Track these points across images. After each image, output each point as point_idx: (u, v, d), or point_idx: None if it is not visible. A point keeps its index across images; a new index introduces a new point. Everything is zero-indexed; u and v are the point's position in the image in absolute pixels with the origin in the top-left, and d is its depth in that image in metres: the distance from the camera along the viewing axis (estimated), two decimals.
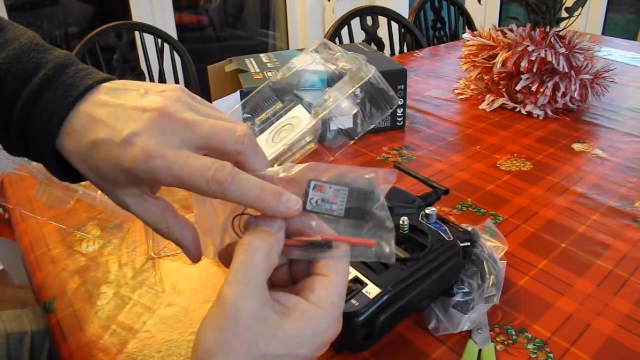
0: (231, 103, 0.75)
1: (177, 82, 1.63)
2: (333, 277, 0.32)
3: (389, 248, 0.32)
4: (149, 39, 1.52)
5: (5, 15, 1.86)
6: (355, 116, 0.52)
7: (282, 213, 0.31)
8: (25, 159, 0.67)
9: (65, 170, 0.36)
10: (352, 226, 0.33)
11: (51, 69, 0.34)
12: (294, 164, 0.33)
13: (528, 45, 0.96)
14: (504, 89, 1.04)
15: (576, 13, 1.00)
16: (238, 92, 0.77)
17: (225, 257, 0.34)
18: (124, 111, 0.32)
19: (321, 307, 0.31)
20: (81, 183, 0.65)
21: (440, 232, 0.48)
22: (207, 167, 0.31)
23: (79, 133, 0.33)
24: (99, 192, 0.66)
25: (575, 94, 0.98)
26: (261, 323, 0.29)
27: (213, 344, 0.28)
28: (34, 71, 0.34)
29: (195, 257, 0.36)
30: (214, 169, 0.31)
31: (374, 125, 0.60)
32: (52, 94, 0.33)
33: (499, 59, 0.99)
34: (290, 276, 0.35)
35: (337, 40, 1.58)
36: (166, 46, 1.53)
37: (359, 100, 0.49)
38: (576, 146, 0.86)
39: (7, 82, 0.34)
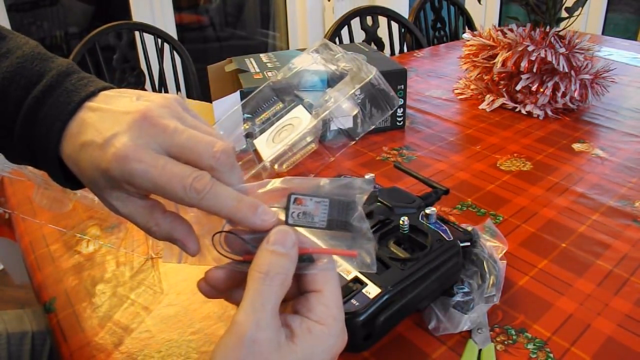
0: (231, 103, 0.75)
1: (177, 82, 1.63)
2: (326, 290, 0.32)
3: (370, 258, 0.32)
4: (149, 39, 1.52)
5: (5, 15, 1.86)
6: (355, 117, 0.52)
7: (257, 225, 0.31)
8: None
9: (68, 176, 0.36)
10: (333, 237, 0.33)
11: (54, 76, 0.35)
12: (270, 179, 0.33)
13: (528, 45, 0.96)
14: (504, 89, 1.04)
15: (576, 13, 1.00)
16: (238, 92, 0.77)
17: (206, 288, 0.34)
18: (111, 115, 0.33)
19: (325, 324, 0.31)
20: None
21: (440, 232, 0.48)
22: (186, 175, 0.31)
23: (74, 137, 0.33)
24: None
25: (575, 94, 0.98)
26: (276, 350, 0.29)
27: None
28: (38, 79, 0.35)
29: (191, 249, 0.35)
30: (193, 177, 0.31)
31: (374, 126, 0.60)
32: (54, 100, 0.34)
33: (499, 59, 0.99)
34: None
35: (337, 40, 1.58)
36: (166, 46, 1.53)
37: (359, 101, 0.49)
38: (576, 146, 0.86)
39: (11, 90, 0.35)
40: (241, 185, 0.33)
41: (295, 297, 0.33)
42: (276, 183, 0.33)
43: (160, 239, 0.35)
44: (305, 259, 0.32)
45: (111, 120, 0.32)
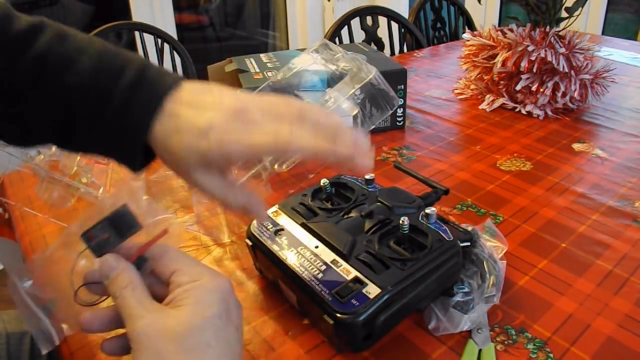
0: None
1: None
2: (179, 265, 0.37)
3: (178, 235, 0.40)
4: (149, 39, 1.52)
5: None
6: (355, 117, 0.52)
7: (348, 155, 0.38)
8: (28, 156, 0.67)
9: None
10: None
11: (137, 68, 0.40)
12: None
13: (528, 45, 0.96)
14: (504, 89, 1.04)
15: (576, 13, 1.00)
16: None
17: (111, 348, 0.39)
18: (204, 107, 0.38)
19: (194, 280, 0.35)
20: (83, 181, 0.65)
21: (440, 232, 0.48)
22: (272, 130, 0.37)
23: (166, 123, 0.38)
24: (100, 190, 0.66)
25: (575, 94, 0.98)
26: (168, 320, 0.33)
27: None
28: (121, 71, 0.39)
29: (263, 215, 0.45)
30: (278, 130, 0.37)
31: (374, 126, 0.60)
32: (144, 89, 0.39)
33: (499, 59, 0.99)
34: (161, 292, 0.38)
35: (337, 40, 1.58)
36: (166, 46, 1.53)
37: (359, 101, 0.49)
38: (576, 146, 0.86)
39: (99, 81, 0.39)
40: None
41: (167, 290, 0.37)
42: (76, 228, 0.38)
43: (234, 209, 0.41)
44: (142, 262, 0.37)
45: (204, 109, 0.38)
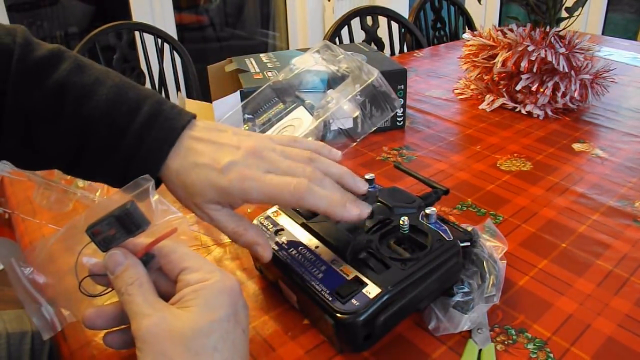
0: (231, 103, 0.75)
1: (177, 82, 1.62)
2: (187, 263, 0.36)
3: (187, 234, 0.40)
4: (149, 39, 1.52)
5: (5, 15, 1.86)
6: (356, 118, 0.52)
7: (351, 215, 0.43)
8: None
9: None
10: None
11: (152, 104, 0.42)
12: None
13: (528, 45, 0.96)
14: (504, 89, 1.04)
15: (576, 13, 1.00)
16: (238, 92, 0.77)
17: (110, 339, 0.39)
18: (221, 146, 0.41)
19: (204, 280, 0.35)
20: (79, 185, 0.65)
21: (441, 232, 0.48)
22: (289, 182, 0.40)
23: (182, 158, 0.41)
24: (97, 193, 0.66)
25: (575, 94, 0.98)
26: (174, 320, 0.33)
27: None
28: (137, 105, 0.42)
29: (268, 254, 0.44)
30: (294, 183, 0.40)
31: (375, 127, 0.60)
32: (159, 125, 0.42)
33: (499, 59, 0.99)
34: (167, 289, 0.38)
35: (337, 40, 1.58)
36: (166, 46, 1.53)
37: (360, 103, 0.49)
38: (576, 146, 0.86)
39: (116, 115, 0.41)
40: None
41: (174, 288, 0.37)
42: (81, 221, 0.38)
43: (243, 243, 0.43)
44: (148, 258, 0.37)
45: (223, 150, 0.41)
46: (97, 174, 0.45)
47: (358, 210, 0.43)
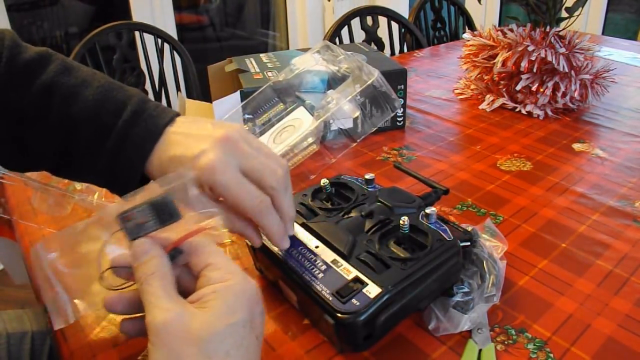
0: (231, 103, 0.75)
1: (177, 82, 1.62)
2: (212, 260, 0.36)
3: (219, 230, 0.39)
4: (149, 39, 1.52)
5: (5, 15, 1.86)
6: (356, 118, 0.52)
7: (280, 246, 0.45)
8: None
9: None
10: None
11: (136, 103, 0.43)
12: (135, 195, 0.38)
13: (528, 45, 0.96)
14: (504, 89, 1.04)
15: (576, 13, 1.00)
16: (238, 92, 0.77)
17: (126, 326, 0.39)
18: (196, 136, 0.41)
19: (225, 280, 0.35)
20: (77, 188, 0.65)
21: (441, 232, 0.48)
22: (257, 196, 0.41)
23: (162, 153, 0.42)
24: (95, 196, 0.66)
25: (576, 94, 0.98)
26: (191, 319, 0.32)
27: None
28: (123, 105, 0.43)
29: (258, 241, 0.46)
30: (260, 199, 0.41)
31: (375, 127, 0.60)
32: (143, 123, 0.43)
33: (499, 59, 0.99)
34: (188, 284, 0.38)
35: (337, 40, 1.58)
36: (166, 46, 1.53)
37: (361, 103, 0.49)
38: (576, 146, 0.86)
39: (102, 115, 0.42)
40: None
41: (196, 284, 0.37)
42: (112, 208, 0.38)
43: (231, 231, 0.44)
44: (176, 253, 0.37)
45: (197, 140, 0.41)
46: (85, 173, 0.45)
47: (287, 245, 0.46)
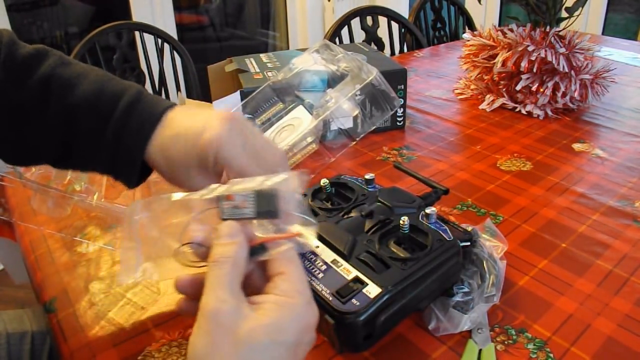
0: (231, 103, 0.75)
1: (177, 82, 1.62)
2: (289, 271, 0.35)
3: (308, 241, 0.37)
4: (149, 39, 1.52)
5: (5, 15, 1.86)
6: (356, 117, 0.52)
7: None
8: (14, 170, 0.67)
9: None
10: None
11: (135, 91, 0.43)
12: (215, 184, 0.38)
13: (528, 45, 0.96)
14: (504, 89, 1.04)
15: (576, 13, 1.00)
16: (238, 92, 0.77)
17: (182, 304, 0.38)
18: (199, 114, 0.42)
19: (289, 296, 0.34)
20: (76, 189, 0.65)
21: (441, 232, 0.48)
22: (261, 170, 0.39)
23: (162, 134, 0.42)
24: (95, 196, 0.66)
25: (576, 94, 0.98)
26: (241, 320, 0.31)
27: (203, 349, 0.31)
28: (121, 94, 0.43)
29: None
30: (265, 172, 0.38)
31: (375, 127, 0.60)
32: (142, 109, 0.43)
33: (499, 59, 0.99)
34: (256, 282, 0.38)
35: (337, 40, 1.58)
36: (166, 46, 1.53)
37: (360, 102, 0.49)
38: (576, 146, 0.86)
39: (100, 104, 0.43)
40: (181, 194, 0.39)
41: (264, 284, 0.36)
42: (221, 188, 0.37)
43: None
44: (259, 249, 0.36)
45: (202, 117, 0.41)
46: (87, 163, 0.45)
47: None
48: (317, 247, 0.48)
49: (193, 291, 0.37)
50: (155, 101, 0.44)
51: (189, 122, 0.41)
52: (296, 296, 0.34)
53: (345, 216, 0.52)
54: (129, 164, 0.43)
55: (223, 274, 0.33)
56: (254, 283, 0.37)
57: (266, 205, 0.36)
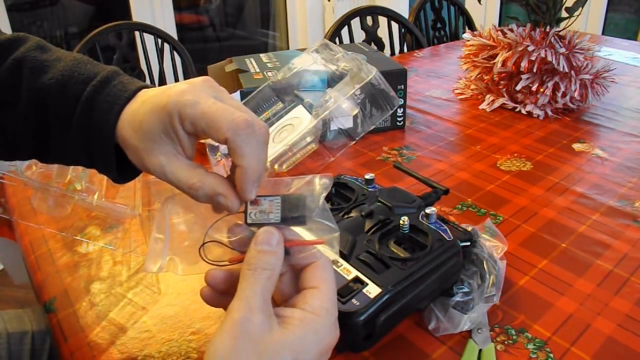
0: None
1: (177, 82, 1.63)
2: (322, 287, 0.35)
3: (332, 248, 0.36)
4: (149, 39, 1.52)
5: (5, 15, 1.86)
6: (355, 117, 0.52)
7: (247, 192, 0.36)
8: (19, 169, 0.67)
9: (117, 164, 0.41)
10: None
11: (108, 72, 0.40)
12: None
13: (528, 45, 0.96)
14: (504, 89, 1.04)
15: (576, 13, 1.00)
16: (238, 92, 0.77)
17: (207, 294, 0.37)
18: (171, 85, 0.38)
19: (317, 315, 0.33)
20: (77, 188, 0.65)
21: (441, 232, 0.48)
22: (233, 112, 0.35)
23: (133, 110, 0.38)
24: (95, 195, 0.66)
25: (576, 94, 0.98)
26: (268, 333, 0.31)
27: (224, 352, 0.30)
28: (94, 75, 0.40)
29: (234, 204, 0.37)
30: (238, 114, 0.35)
31: (374, 126, 0.60)
32: (112, 88, 0.39)
33: (499, 59, 0.99)
34: (286, 287, 0.37)
35: (337, 40, 1.58)
36: (166, 46, 1.53)
37: (359, 101, 0.49)
38: (576, 146, 0.86)
39: (71, 84, 0.40)
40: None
41: (294, 295, 0.35)
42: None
43: (202, 198, 0.37)
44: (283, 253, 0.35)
45: (172, 85, 0.38)
46: (66, 153, 0.42)
47: (253, 197, 0.36)
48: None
49: (225, 286, 0.36)
50: (129, 81, 0.40)
51: (159, 90, 0.38)
52: (324, 315, 0.33)
53: (345, 216, 0.52)
54: (100, 150, 0.40)
55: (258, 284, 0.33)
56: (281, 289, 0.36)
57: (292, 211, 0.35)
